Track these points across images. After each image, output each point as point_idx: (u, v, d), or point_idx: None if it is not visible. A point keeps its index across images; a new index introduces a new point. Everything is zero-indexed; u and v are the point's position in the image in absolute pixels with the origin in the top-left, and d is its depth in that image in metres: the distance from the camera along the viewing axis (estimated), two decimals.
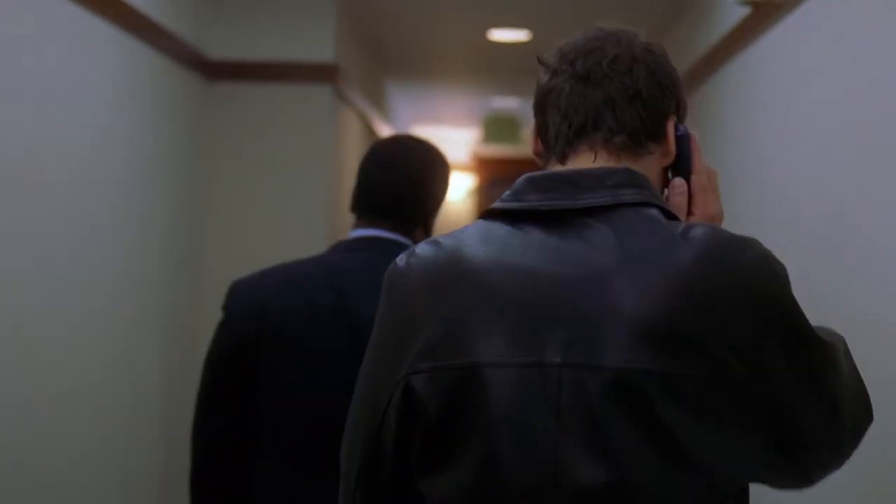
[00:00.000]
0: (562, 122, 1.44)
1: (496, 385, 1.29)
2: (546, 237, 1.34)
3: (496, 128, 9.50)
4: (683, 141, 1.47)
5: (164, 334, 4.48)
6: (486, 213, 1.42)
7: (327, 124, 5.13)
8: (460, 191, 11.48)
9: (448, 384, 1.30)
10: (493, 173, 11.47)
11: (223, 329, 2.23)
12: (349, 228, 5.71)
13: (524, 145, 10.71)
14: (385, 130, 8.18)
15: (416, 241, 2.28)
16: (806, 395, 1.28)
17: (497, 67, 7.50)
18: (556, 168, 1.43)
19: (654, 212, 1.35)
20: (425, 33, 6.37)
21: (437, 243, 1.40)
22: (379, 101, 7.82)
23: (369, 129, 7.30)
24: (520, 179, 1.42)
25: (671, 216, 1.37)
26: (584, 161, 1.42)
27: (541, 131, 1.48)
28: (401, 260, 1.42)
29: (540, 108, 1.48)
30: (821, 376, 1.29)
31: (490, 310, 1.31)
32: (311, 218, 5.09)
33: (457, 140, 11.30)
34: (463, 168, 11.45)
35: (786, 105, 3.40)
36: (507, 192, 1.41)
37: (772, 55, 3.58)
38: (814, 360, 1.29)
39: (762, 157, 3.65)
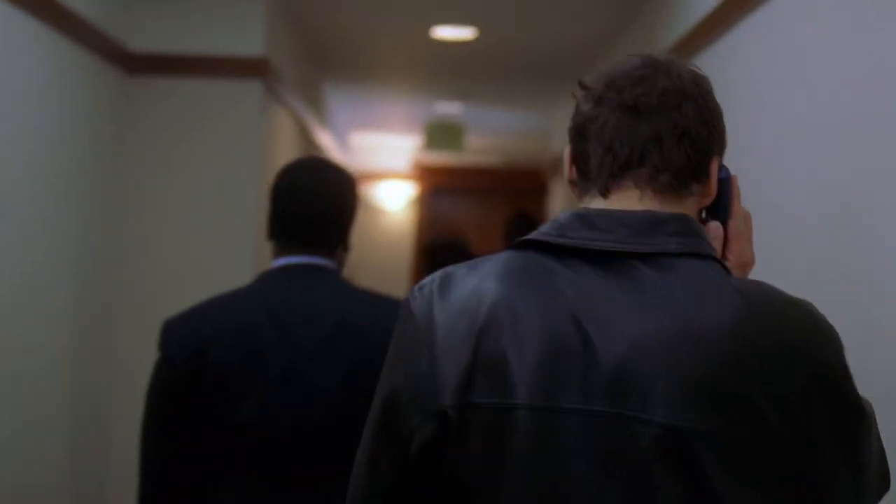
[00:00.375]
0: (605, 154, 1.40)
1: (535, 428, 1.26)
2: (596, 277, 1.32)
3: (439, 135, 9.18)
4: (725, 184, 1.45)
5: (76, 351, 4.09)
6: (522, 244, 1.38)
7: (257, 123, 4.76)
8: (400, 200, 11.12)
9: (484, 423, 1.27)
10: (436, 182, 11.14)
11: (161, 368, 2.28)
12: None
13: (468, 153, 10.38)
14: (323, 136, 7.81)
15: (338, 261, 2.39)
16: (842, 462, 1.28)
17: (441, 69, 7.16)
18: (599, 203, 1.40)
19: (711, 264, 1.33)
20: (364, 29, 6.02)
21: (465, 271, 1.38)
22: (316, 104, 7.45)
23: (305, 134, 6.93)
24: (566, 214, 1.38)
25: (727, 270, 1.35)
26: (628, 198, 1.39)
27: (578, 159, 1.43)
28: (426, 286, 1.39)
29: (579, 136, 1.43)
30: (860, 445, 1.30)
31: (531, 348, 1.28)
32: (239, 222, 4.71)
33: (398, 147, 10.93)
34: (404, 176, 11.10)
35: (766, 93, 3.18)
36: (549, 226, 1.38)
37: (749, 42, 3.31)
38: (857, 429, 1.29)
39: (740, 146, 3.35)
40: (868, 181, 2.41)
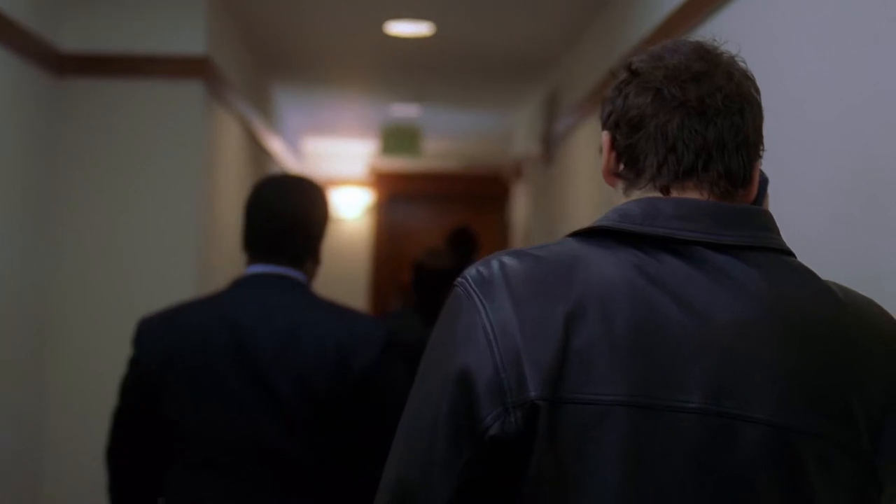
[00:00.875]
0: (668, 153, 1.36)
1: (632, 425, 1.20)
2: (685, 268, 1.28)
3: (395, 139, 8.86)
4: (762, 187, 1.46)
5: (8, 363, 3.73)
6: (591, 232, 1.33)
7: (198, 126, 4.41)
8: (357, 208, 10.78)
9: (576, 418, 1.20)
10: (394, 189, 10.81)
11: (132, 365, 2.46)
12: (227, 245, 5.02)
13: (427, 158, 10.06)
14: (274, 143, 7.47)
15: (307, 273, 2.52)
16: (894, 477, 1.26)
17: (396, 68, 6.84)
18: (670, 197, 1.36)
19: (797, 261, 1.34)
20: (313, 26, 5.69)
21: (535, 255, 1.30)
22: (265, 108, 7.11)
23: (254, 140, 6.59)
24: (638, 202, 1.34)
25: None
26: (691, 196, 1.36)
27: (627, 152, 1.38)
28: (491, 264, 1.30)
29: (632, 128, 1.37)
30: None
31: (625, 339, 1.22)
32: (181, 232, 4.37)
33: (353, 153, 10.60)
34: (360, 183, 10.76)
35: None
36: (616, 214, 1.33)
37: (717, 38, 3.04)
38: None
39: None
40: (857, 175, 2.18)
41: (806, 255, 1.43)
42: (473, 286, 1.28)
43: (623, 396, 1.20)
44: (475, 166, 10.64)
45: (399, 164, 10.42)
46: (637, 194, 1.37)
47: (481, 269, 1.30)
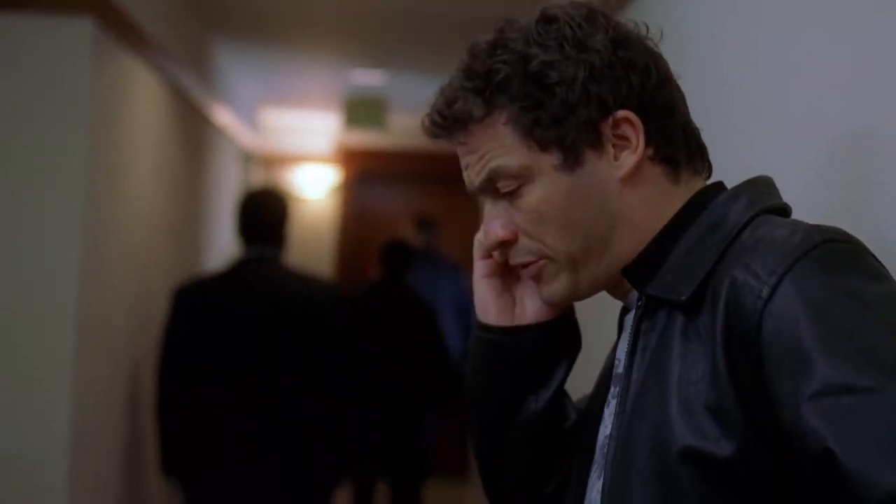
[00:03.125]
0: (699, 134, 1.41)
1: None
2: None
3: (359, 111, 7.98)
4: None
5: None
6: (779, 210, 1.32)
7: (83, 77, 3.51)
8: (322, 187, 9.87)
9: None
10: (362, 167, 9.88)
11: (171, 319, 3.97)
12: (138, 233, 4.15)
13: (396, 135, 9.17)
14: (221, 114, 6.57)
15: (282, 252, 4.12)
16: None
17: (358, 26, 5.96)
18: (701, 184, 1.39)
19: None
20: None
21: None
22: (206, 74, 6.21)
23: (193, 110, 5.69)
24: (762, 181, 1.37)
25: None
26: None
27: (662, 134, 1.37)
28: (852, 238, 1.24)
29: (667, 110, 1.37)
30: None
31: None
32: (60, 211, 3.48)
33: (316, 127, 9.69)
34: (325, 160, 9.84)
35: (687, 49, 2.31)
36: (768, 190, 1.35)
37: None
38: None
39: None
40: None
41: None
42: (868, 250, 1.24)
43: None
44: (446, 144, 9.73)
45: (368, 139, 9.51)
46: (683, 180, 1.37)
47: (850, 237, 1.23)
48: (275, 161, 9.68)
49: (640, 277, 1.34)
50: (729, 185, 1.40)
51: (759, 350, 1.17)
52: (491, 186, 1.38)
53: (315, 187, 9.80)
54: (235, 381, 3.87)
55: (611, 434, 1.33)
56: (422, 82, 7.45)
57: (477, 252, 1.48)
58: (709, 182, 1.41)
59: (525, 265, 1.39)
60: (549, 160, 1.34)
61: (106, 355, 3.94)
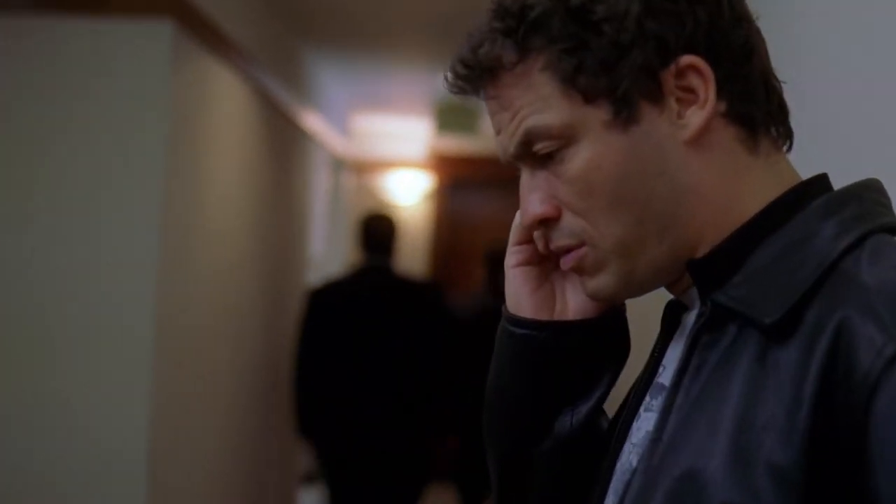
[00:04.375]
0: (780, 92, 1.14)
1: None
2: None
3: (450, 116, 7.90)
4: None
5: None
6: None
7: (163, 80, 3.45)
8: (414, 193, 9.79)
9: None
10: (455, 173, 9.77)
11: (306, 315, 5.01)
12: (218, 242, 4.09)
13: (489, 139, 9.05)
14: (311, 120, 6.52)
15: (394, 263, 5.22)
16: None
17: (448, 28, 5.87)
18: (787, 165, 1.13)
19: None
20: None
21: None
22: (298, 80, 6.15)
23: (278, 114, 5.64)
24: (874, 181, 1.10)
25: None
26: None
27: (738, 86, 1.10)
28: None
29: (746, 54, 1.10)
30: None
31: None
32: (138, 221, 3.43)
33: (408, 132, 9.60)
34: (418, 165, 9.76)
35: None
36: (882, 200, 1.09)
37: None
38: None
39: None
40: None
41: None
42: None
43: None
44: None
45: (460, 145, 9.42)
46: (762, 155, 1.11)
47: None
48: (367, 167, 9.61)
49: (708, 279, 1.08)
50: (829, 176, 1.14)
51: (865, 419, 0.94)
52: (528, 151, 1.12)
53: (408, 193, 9.72)
54: (360, 362, 4.94)
55: (637, 467, 1.09)
56: None
57: (513, 237, 1.25)
58: (790, 159, 1.16)
59: (567, 250, 1.14)
60: (598, 115, 1.08)
61: (188, 366, 3.88)
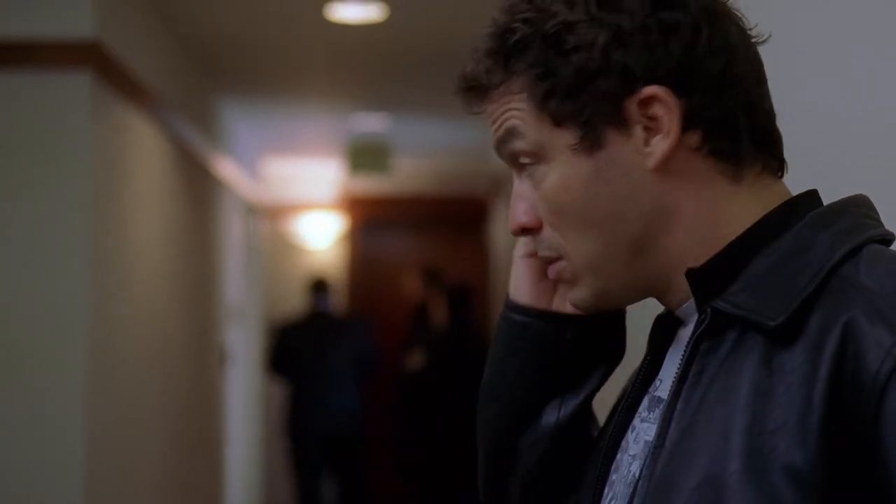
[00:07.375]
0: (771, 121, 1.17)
1: None
2: None
3: (362, 157, 7.96)
4: None
5: None
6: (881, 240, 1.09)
7: (84, 132, 3.48)
8: (327, 236, 9.83)
9: None
10: (367, 214, 9.85)
11: (277, 346, 7.82)
12: (142, 290, 4.10)
13: (400, 180, 9.16)
14: (224, 166, 6.55)
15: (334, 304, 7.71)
16: None
17: (358, 70, 5.94)
18: (777, 185, 1.15)
19: None
20: (249, 24, 4.80)
21: None
22: (212, 128, 6.19)
23: (194, 162, 5.66)
24: (862, 197, 1.13)
25: None
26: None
27: (712, 117, 1.12)
28: None
29: (725, 84, 1.12)
30: None
31: None
32: (63, 268, 3.44)
33: (319, 175, 9.64)
34: (329, 208, 9.81)
35: None
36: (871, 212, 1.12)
37: None
38: None
39: None
40: None
41: None
42: None
43: None
44: (451, 186, 9.69)
45: (372, 185, 9.50)
46: (743, 178, 1.13)
47: None
48: (279, 211, 9.63)
49: (706, 288, 1.10)
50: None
51: (876, 419, 0.96)
52: (514, 161, 1.18)
53: (320, 236, 9.76)
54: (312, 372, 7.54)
55: (642, 473, 1.11)
56: (425, 125, 7.45)
57: None
58: (783, 182, 1.18)
59: (550, 261, 1.19)
60: (566, 138, 1.13)
61: (120, 404, 3.88)
